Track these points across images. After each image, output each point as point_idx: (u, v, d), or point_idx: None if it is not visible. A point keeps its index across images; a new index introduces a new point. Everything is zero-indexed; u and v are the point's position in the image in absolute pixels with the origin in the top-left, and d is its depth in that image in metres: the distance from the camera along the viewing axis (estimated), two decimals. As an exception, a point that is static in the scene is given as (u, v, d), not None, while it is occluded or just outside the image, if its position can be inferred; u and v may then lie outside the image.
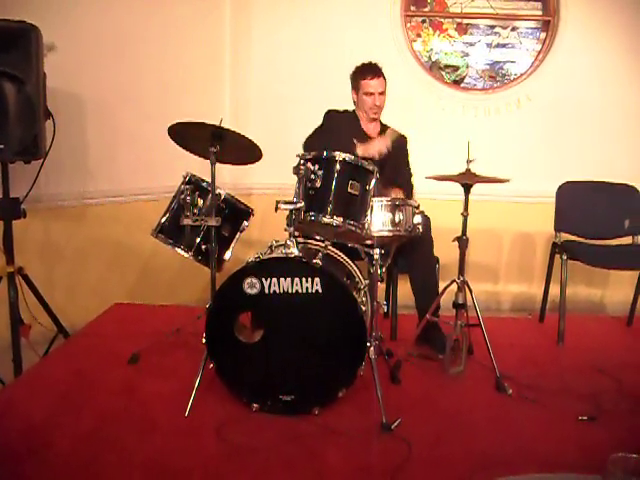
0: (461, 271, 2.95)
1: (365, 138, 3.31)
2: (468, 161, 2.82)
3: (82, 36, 3.66)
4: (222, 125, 2.55)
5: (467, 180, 2.82)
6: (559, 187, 3.87)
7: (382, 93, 3.34)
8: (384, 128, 3.40)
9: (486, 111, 4.57)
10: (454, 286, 2.98)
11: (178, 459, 2.19)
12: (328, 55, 4.44)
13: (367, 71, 3.32)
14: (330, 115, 3.40)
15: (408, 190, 3.41)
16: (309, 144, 3.35)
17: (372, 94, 3.31)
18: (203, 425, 2.42)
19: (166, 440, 2.31)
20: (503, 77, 4.73)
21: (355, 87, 3.39)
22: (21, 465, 2.13)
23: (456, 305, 2.93)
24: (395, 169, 3.33)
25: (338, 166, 2.50)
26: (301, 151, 3.09)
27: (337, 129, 3.30)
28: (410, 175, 3.51)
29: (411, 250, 3.21)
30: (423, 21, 4.72)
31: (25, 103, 2.81)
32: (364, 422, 2.45)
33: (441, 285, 3.22)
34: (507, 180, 2.86)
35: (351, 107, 3.48)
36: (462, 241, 2.92)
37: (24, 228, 3.17)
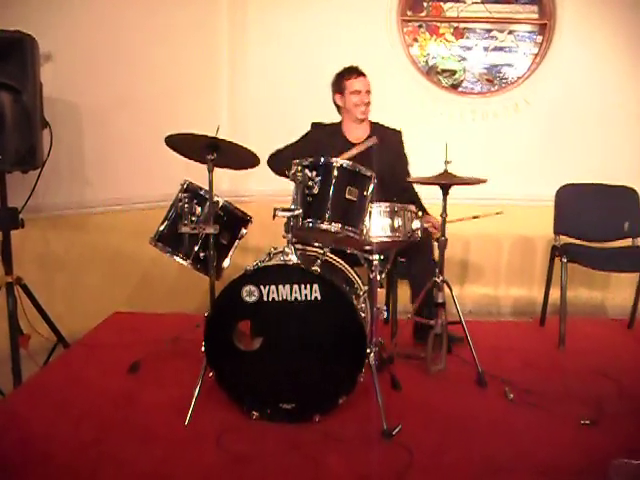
0: (440, 271, 2.96)
1: (350, 147, 3.25)
2: (446, 162, 2.85)
3: (78, 45, 3.65)
4: (219, 132, 2.56)
5: (444, 181, 2.84)
6: (558, 190, 3.86)
7: (368, 92, 3.35)
8: (375, 126, 3.41)
9: (484, 115, 4.57)
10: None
11: (178, 468, 2.18)
12: (325, 60, 4.38)
13: (351, 71, 3.36)
14: (313, 127, 3.48)
15: (417, 199, 3.36)
16: (282, 151, 3.41)
17: (359, 92, 3.32)
18: (203, 434, 2.41)
19: (166, 449, 2.30)
20: (501, 81, 4.72)
21: (339, 89, 3.39)
22: (21, 476, 2.12)
23: (436, 304, 2.95)
24: (393, 168, 3.29)
25: (336, 172, 2.49)
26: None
27: (315, 142, 3.35)
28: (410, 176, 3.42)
29: (411, 255, 3.21)
30: (420, 26, 4.72)
31: (22, 113, 2.82)
32: (365, 429, 2.44)
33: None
34: (484, 181, 2.85)
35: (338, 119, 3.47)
36: (441, 242, 2.94)
37: (22, 238, 3.17)
